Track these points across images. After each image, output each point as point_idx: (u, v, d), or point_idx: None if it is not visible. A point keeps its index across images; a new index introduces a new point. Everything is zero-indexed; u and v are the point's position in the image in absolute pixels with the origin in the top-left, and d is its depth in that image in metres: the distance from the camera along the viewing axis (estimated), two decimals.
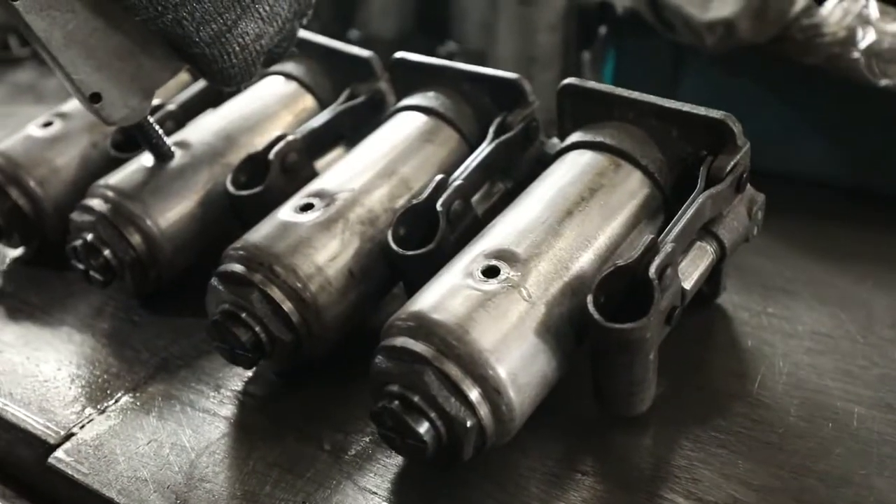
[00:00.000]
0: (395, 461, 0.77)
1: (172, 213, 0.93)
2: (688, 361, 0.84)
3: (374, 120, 1.02)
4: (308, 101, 1.07)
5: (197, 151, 0.97)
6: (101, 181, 0.95)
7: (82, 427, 0.83)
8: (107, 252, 0.92)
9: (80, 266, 0.93)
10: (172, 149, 0.96)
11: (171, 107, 1.06)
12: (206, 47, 0.80)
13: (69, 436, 0.82)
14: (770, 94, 1.15)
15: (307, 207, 0.85)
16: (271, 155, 0.93)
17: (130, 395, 0.86)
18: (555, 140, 0.92)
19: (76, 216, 0.94)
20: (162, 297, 0.97)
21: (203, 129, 1.01)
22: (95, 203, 0.92)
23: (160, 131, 0.94)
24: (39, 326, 0.96)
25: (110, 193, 0.93)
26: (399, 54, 1.00)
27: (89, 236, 0.92)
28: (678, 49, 1.19)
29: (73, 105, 1.07)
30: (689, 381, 0.82)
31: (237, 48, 0.81)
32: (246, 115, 1.03)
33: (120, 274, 0.93)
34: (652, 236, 0.73)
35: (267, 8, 0.81)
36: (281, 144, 0.94)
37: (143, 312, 0.96)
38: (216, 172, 0.97)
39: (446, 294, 0.72)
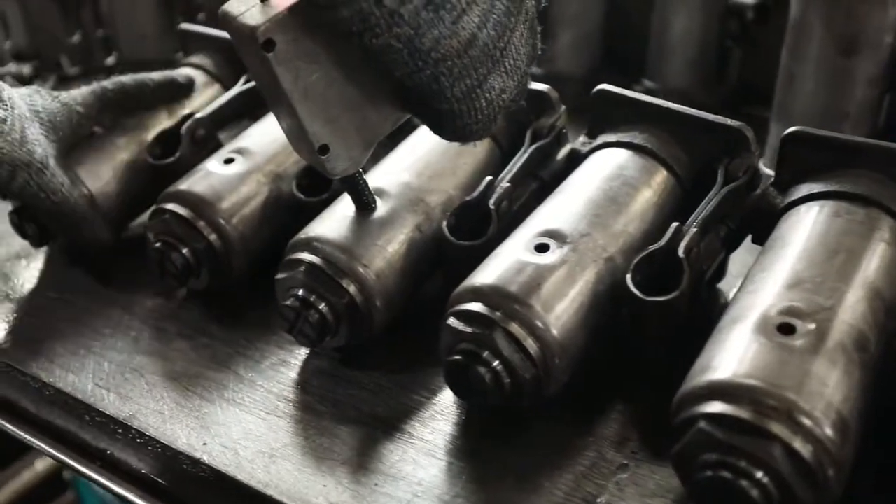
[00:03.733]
0: None
1: None
2: None
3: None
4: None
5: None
6: (304, 233, 0.93)
7: None
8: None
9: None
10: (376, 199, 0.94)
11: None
12: (455, 103, 0.79)
13: None
14: None
15: (543, 248, 0.86)
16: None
17: None
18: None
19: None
20: None
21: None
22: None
23: (367, 181, 0.93)
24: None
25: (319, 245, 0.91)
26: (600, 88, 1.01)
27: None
28: None
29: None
30: None
31: (484, 103, 0.80)
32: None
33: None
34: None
35: (511, 62, 0.80)
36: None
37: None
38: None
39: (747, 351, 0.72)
